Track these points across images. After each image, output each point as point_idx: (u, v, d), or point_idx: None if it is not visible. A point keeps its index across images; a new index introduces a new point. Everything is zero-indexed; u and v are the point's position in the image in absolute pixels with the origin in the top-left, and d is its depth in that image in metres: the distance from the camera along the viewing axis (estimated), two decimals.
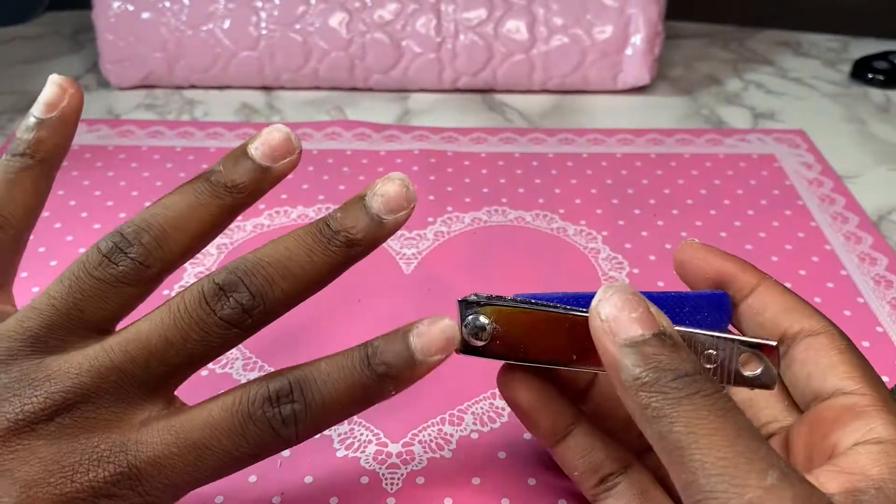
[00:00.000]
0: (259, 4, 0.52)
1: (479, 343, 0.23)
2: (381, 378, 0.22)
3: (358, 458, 0.29)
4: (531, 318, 0.23)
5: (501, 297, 0.23)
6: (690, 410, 0.19)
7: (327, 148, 0.48)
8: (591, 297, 0.21)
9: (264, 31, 0.53)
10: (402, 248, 0.40)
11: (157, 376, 0.22)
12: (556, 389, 0.25)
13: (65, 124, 0.26)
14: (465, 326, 0.23)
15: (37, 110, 0.25)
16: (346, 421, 0.31)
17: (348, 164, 0.47)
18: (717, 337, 0.22)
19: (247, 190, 0.24)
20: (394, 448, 0.30)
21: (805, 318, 0.24)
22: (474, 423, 0.31)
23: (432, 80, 0.55)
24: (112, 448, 0.21)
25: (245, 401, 0.22)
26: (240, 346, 0.33)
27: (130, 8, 0.52)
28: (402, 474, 0.29)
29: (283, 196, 0.43)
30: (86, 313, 0.23)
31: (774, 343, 0.22)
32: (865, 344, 0.35)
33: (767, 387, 0.22)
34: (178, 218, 0.23)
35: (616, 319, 0.20)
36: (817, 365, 0.23)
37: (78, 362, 0.22)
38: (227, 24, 0.52)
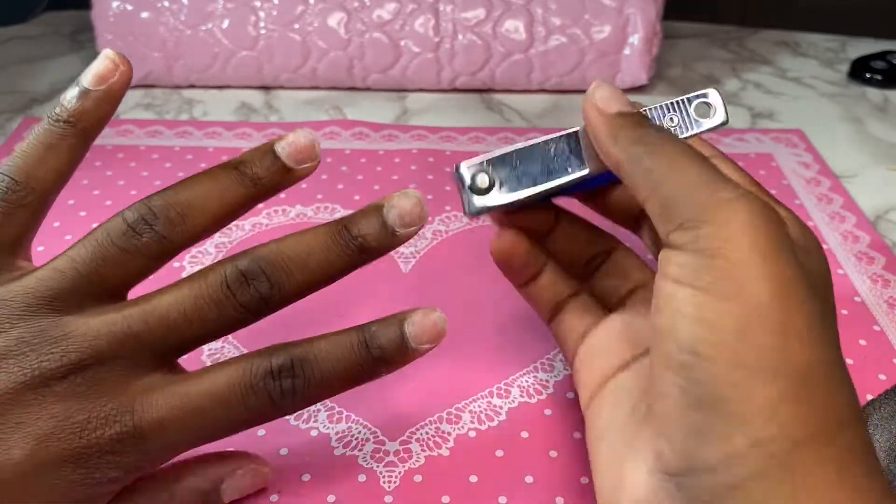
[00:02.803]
0: (258, 4, 0.52)
1: (489, 199, 0.26)
2: (375, 361, 0.24)
3: (356, 457, 0.29)
4: (522, 153, 0.26)
5: (487, 155, 0.26)
6: (672, 150, 0.23)
7: (326, 147, 0.48)
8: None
9: (263, 31, 0.53)
10: (401, 247, 0.40)
11: (169, 347, 0.24)
12: (533, 243, 0.29)
13: (110, 98, 0.26)
14: (471, 188, 0.26)
15: (86, 80, 0.26)
16: (343, 419, 0.31)
17: (347, 163, 0.47)
18: (670, 104, 0.26)
19: (269, 184, 0.26)
20: (391, 446, 0.30)
21: None
22: (472, 422, 0.31)
23: (431, 79, 0.55)
24: (119, 409, 0.23)
25: (248, 373, 0.23)
26: (229, 336, 0.33)
27: (129, 8, 0.52)
28: (399, 472, 0.29)
29: (282, 195, 0.43)
30: (105, 279, 0.24)
31: (712, 89, 0.26)
32: (863, 342, 0.35)
33: (725, 123, 0.26)
34: (203, 198, 0.25)
35: (608, 100, 0.25)
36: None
37: (96, 326, 0.23)
38: (225, 23, 0.52)
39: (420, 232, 0.41)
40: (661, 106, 0.26)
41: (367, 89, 0.56)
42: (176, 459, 0.25)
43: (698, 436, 0.20)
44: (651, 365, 0.22)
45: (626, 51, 0.54)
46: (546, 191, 0.26)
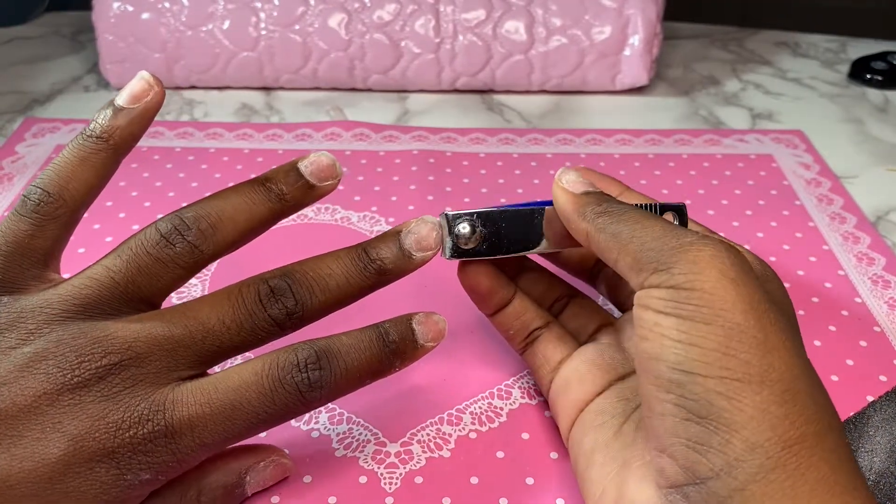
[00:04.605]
0: (258, 5, 0.52)
1: (468, 247, 0.28)
2: (390, 354, 0.26)
3: (356, 458, 0.30)
4: (506, 216, 0.28)
5: (477, 209, 0.28)
6: (635, 215, 0.25)
7: (327, 148, 0.48)
8: (544, 202, 0.28)
9: (264, 32, 0.53)
10: None
11: (206, 353, 0.25)
12: (501, 273, 0.30)
13: (143, 118, 0.27)
14: (455, 235, 0.28)
15: (121, 99, 0.27)
16: (344, 421, 0.31)
17: (347, 164, 0.47)
18: (643, 205, 0.28)
19: (293, 201, 0.27)
20: (392, 448, 0.30)
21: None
22: (472, 423, 0.31)
23: (431, 80, 0.55)
24: (151, 408, 0.23)
25: (275, 366, 0.24)
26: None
27: (130, 9, 0.52)
28: (400, 474, 0.29)
29: None
30: (141, 287, 0.25)
31: (683, 203, 0.29)
32: (863, 343, 0.35)
33: None
34: (233, 212, 0.26)
35: (575, 183, 0.27)
36: None
37: (136, 328, 0.24)
38: (226, 24, 0.52)
39: None
40: (634, 206, 0.28)
41: (368, 90, 0.56)
42: None
43: (698, 447, 0.21)
44: (641, 389, 0.23)
45: (627, 52, 0.54)
46: (519, 254, 0.29)
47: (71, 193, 0.26)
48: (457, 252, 0.28)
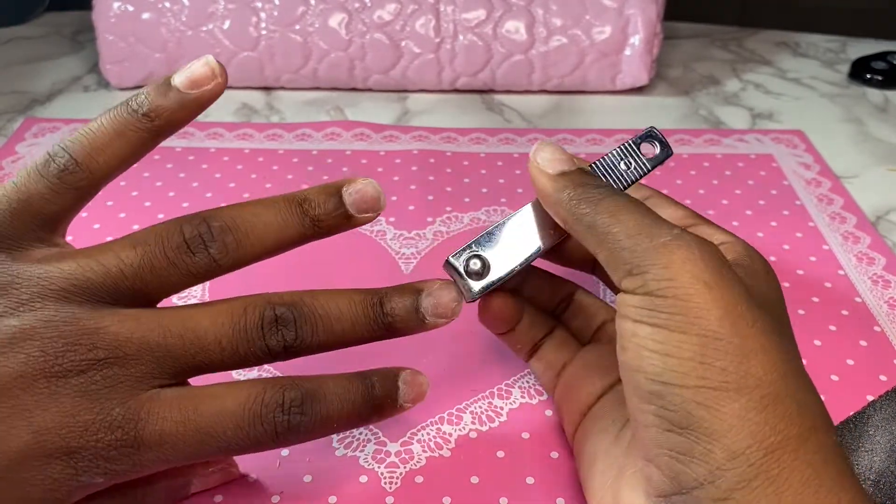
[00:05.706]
0: (259, 5, 0.52)
1: (485, 279, 0.27)
2: (371, 409, 0.25)
3: (357, 458, 0.30)
4: (502, 228, 0.27)
5: (469, 242, 0.27)
6: (610, 204, 0.23)
7: (327, 148, 0.48)
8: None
9: (264, 32, 0.53)
10: (402, 248, 0.40)
11: (194, 366, 0.24)
12: (513, 295, 0.30)
13: (196, 105, 0.26)
14: (468, 274, 0.27)
15: (179, 80, 0.25)
16: None
17: (348, 164, 0.47)
18: (618, 150, 0.27)
19: (327, 228, 0.26)
20: (392, 447, 0.30)
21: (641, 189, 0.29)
22: (473, 423, 0.31)
23: (431, 80, 0.55)
24: (125, 415, 0.22)
25: (259, 402, 0.23)
26: None
27: (130, 8, 0.52)
28: (400, 473, 0.29)
29: None
30: (147, 285, 0.24)
31: (650, 127, 0.28)
32: (863, 343, 0.35)
33: (670, 154, 0.28)
34: (263, 230, 0.25)
35: (550, 161, 0.25)
36: (664, 212, 0.28)
37: (131, 328, 0.23)
38: (227, 24, 0.52)
39: (421, 233, 0.41)
40: (611, 154, 0.27)
41: (368, 90, 0.56)
42: None
43: (681, 457, 0.21)
44: (626, 398, 0.23)
45: (627, 51, 0.54)
46: (534, 256, 0.27)
47: (99, 165, 0.25)
48: (475, 293, 0.27)
